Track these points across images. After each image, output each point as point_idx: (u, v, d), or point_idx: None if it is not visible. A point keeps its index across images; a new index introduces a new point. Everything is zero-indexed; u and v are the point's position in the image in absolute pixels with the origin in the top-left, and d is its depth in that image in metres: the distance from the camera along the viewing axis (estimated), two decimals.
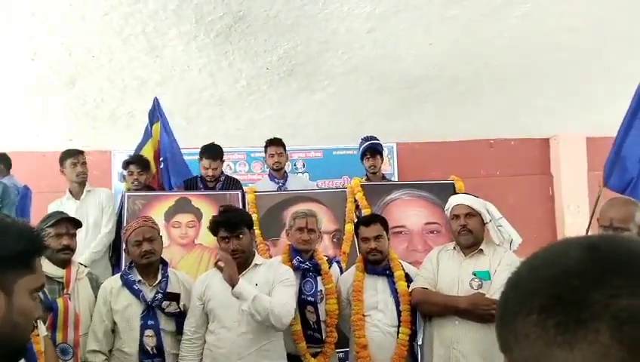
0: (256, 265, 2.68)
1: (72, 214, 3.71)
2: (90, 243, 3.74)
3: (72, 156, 3.89)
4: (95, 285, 2.78)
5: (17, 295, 0.97)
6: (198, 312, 2.63)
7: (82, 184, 3.92)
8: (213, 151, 4.15)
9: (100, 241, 3.78)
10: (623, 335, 0.47)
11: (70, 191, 3.93)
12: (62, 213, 2.85)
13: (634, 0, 3.95)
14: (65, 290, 2.59)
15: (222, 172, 4.30)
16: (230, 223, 2.69)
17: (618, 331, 0.47)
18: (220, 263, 2.58)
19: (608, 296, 0.49)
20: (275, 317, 2.42)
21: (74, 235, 2.72)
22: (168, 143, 4.37)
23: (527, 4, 4.01)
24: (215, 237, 3.52)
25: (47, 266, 2.51)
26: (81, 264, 2.94)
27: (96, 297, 2.72)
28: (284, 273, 2.69)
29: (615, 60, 5.17)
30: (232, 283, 2.46)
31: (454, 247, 2.68)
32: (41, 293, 1.11)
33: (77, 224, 2.77)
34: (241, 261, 2.64)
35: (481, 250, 2.59)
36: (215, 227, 2.72)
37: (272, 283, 2.61)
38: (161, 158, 4.34)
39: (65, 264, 2.67)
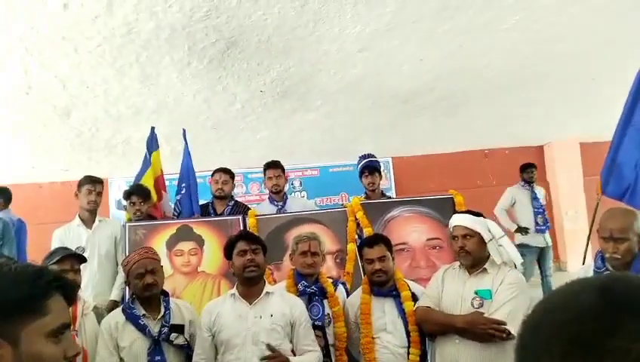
0: (267, 293, 2.63)
1: (82, 242, 3.71)
2: (101, 274, 3.71)
3: (90, 183, 3.84)
4: (101, 319, 2.73)
5: (27, 343, 0.93)
6: (207, 344, 2.55)
7: (92, 212, 3.88)
8: (223, 168, 4.38)
9: (122, 275, 3.74)
10: None
11: (81, 218, 3.88)
12: (66, 248, 2.81)
13: (621, 8, 4.02)
14: (72, 327, 2.55)
15: (232, 196, 4.36)
16: (250, 236, 2.74)
17: None
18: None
19: (629, 341, 0.50)
20: None
21: (78, 271, 2.68)
22: (192, 170, 4.46)
23: (515, 17, 4.07)
24: (217, 265, 3.57)
25: None
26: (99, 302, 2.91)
27: None
28: (301, 311, 2.66)
29: (603, 67, 5.25)
30: None
31: (460, 266, 2.68)
32: None
33: (81, 260, 2.75)
34: (256, 276, 2.59)
35: (485, 269, 2.58)
36: (233, 242, 2.67)
37: (290, 321, 2.58)
38: (183, 185, 4.40)
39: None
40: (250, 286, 2.61)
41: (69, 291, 1.06)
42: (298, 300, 2.74)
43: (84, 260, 2.74)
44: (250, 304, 2.57)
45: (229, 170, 4.37)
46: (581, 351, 0.52)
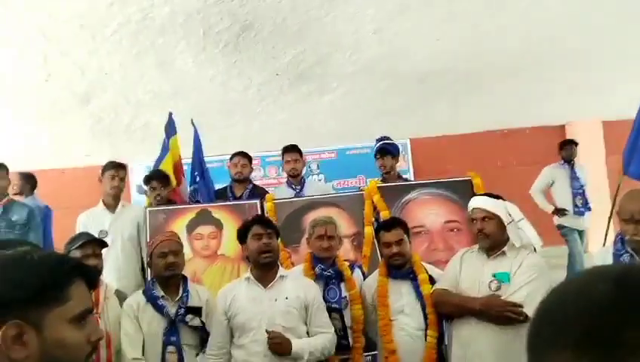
0: (282, 276, 2.65)
1: (105, 226, 3.77)
2: (124, 258, 3.78)
3: (113, 168, 3.90)
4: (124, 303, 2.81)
5: (50, 328, 0.96)
6: (222, 327, 2.57)
7: (116, 198, 3.95)
8: (242, 152, 4.42)
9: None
10: None
11: (104, 203, 3.94)
12: (88, 234, 2.89)
13: None
14: (94, 311, 2.61)
15: (250, 180, 4.41)
16: (265, 220, 2.77)
17: None
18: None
19: None
20: (328, 352, 2.60)
21: (100, 255, 2.76)
22: (203, 159, 4.53)
23: None
24: (236, 248, 3.61)
25: None
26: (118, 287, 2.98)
27: None
28: (315, 293, 2.68)
29: (626, 43, 5.10)
30: (287, 351, 2.45)
31: (479, 249, 2.65)
32: None
33: (102, 244, 2.82)
34: (272, 261, 2.63)
35: (504, 252, 2.55)
36: (248, 227, 2.68)
37: (305, 303, 2.61)
38: (196, 173, 4.48)
39: None
40: (266, 270, 2.64)
41: (91, 277, 1.08)
42: (312, 283, 2.77)
43: (105, 245, 2.80)
44: (265, 287, 2.59)
45: (247, 154, 4.42)
46: (594, 342, 0.52)
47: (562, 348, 0.54)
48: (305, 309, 2.62)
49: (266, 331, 2.46)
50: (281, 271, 2.70)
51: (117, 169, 3.90)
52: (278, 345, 2.45)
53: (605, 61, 5.58)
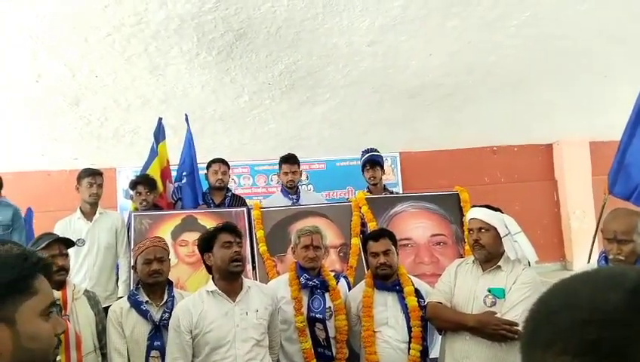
0: (248, 287, 2.58)
1: (82, 234, 3.73)
2: (100, 266, 3.74)
3: (90, 176, 3.83)
4: (94, 303, 2.76)
5: (22, 322, 0.97)
6: (187, 346, 2.40)
7: (94, 205, 3.88)
8: (221, 159, 4.38)
9: (125, 270, 3.77)
10: None
11: (82, 211, 3.88)
12: (52, 234, 2.81)
13: (632, 4, 3.97)
14: (63, 312, 2.54)
15: (228, 188, 4.38)
16: (234, 228, 2.61)
17: None
18: None
19: None
20: None
21: (66, 255, 2.70)
22: (195, 159, 4.52)
23: (525, 13, 4.04)
24: None
25: None
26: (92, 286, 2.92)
27: (95, 315, 2.71)
28: (282, 292, 2.78)
29: (615, 64, 5.19)
30: None
31: (474, 261, 2.62)
32: None
33: (68, 243, 2.74)
34: (241, 271, 2.55)
35: (500, 266, 2.52)
36: (214, 235, 2.53)
37: (271, 310, 2.61)
38: (184, 173, 4.42)
39: (60, 285, 2.59)
40: (232, 281, 2.53)
41: (50, 271, 1.10)
42: (272, 288, 2.82)
43: (71, 244, 2.75)
44: (234, 301, 2.49)
45: (226, 161, 4.38)
46: (599, 354, 0.51)
47: (562, 353, 0.53)
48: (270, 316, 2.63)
49: None
50: (246, 281, 2.62)
51: (94, 176, 3.84)
52: None
53: (594, 83, 5.67)
